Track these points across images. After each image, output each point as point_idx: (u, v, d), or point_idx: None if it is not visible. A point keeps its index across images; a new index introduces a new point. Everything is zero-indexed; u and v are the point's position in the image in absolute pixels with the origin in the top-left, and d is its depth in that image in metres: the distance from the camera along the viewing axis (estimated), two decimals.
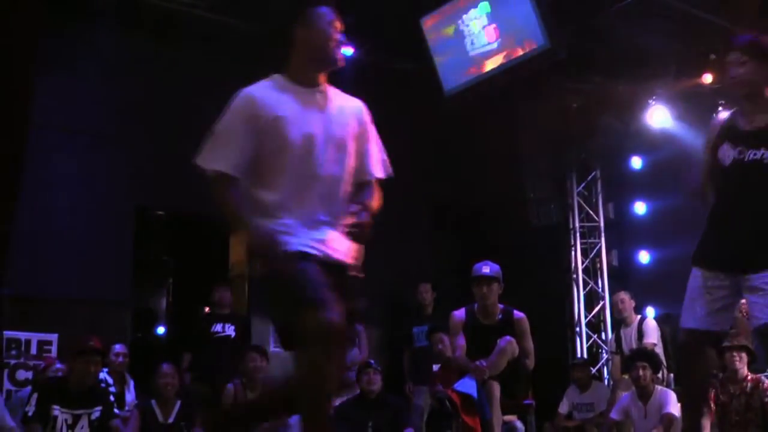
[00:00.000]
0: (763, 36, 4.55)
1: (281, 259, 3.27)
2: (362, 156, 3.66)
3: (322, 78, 3.65)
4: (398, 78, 10.08)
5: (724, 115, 4.66)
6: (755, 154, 4.36)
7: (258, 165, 3.45)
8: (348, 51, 10.12)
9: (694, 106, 9.49)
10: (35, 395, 6.44)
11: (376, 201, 3.63)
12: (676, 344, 8.89)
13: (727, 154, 4.45)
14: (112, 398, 7.70)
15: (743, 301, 4.56)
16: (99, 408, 6.60)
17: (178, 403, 7.46)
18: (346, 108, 3.67)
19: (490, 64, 8.89)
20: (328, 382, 3.16)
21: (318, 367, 3.09)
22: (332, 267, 3.39)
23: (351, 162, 3.58)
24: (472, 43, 9.01)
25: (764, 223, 4.33)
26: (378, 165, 3.72)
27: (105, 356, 6.91)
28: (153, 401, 7.41)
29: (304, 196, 3.44)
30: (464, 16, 9.00)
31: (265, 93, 3.53)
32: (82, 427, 6.51)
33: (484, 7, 8.89)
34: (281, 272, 3.25)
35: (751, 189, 4.39)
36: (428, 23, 9.30)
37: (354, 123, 3.65)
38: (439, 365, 8.25)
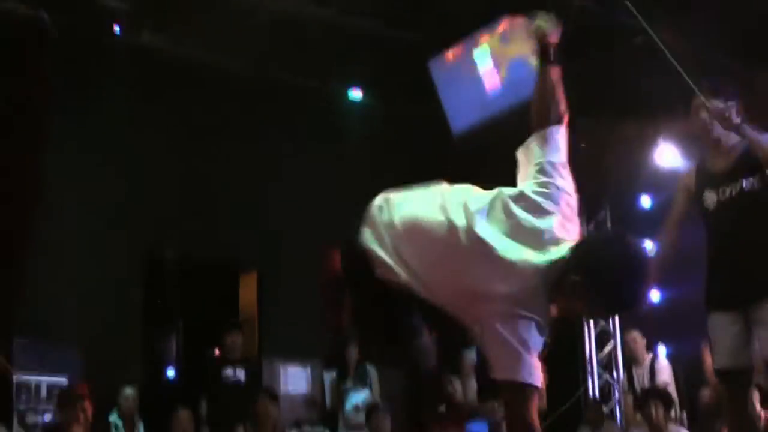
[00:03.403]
0: (724, 80, 4.72)
1: None
2: None
3: None
4: (406, 121, 10.13)
5: (691, 166, 4.84)
6: (735, 188, 4.49)
7: None
8: (357, 95, 10.21)
9: (702, 142, 9.49)
10: None
11: None
12: (690, 382, 8.94)
13: (709, 199, 4.60)
14: None
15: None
16: None
17: None
18: None
19: (499, 105, 8.92)
20: None
21: None
22: None
23: None
24: (481, 84, 9.04)
25: (759, 252, 4.42)
26: None
27: (91, 398, 6.68)
28: None
29: None
30: (474, 54, 9.02)
31: None
32: None
33: (493, 46, 8.92)
34: None
35: (739, 221, 4.57)
36: (437, 65, 9.33)
37: None
38: (445, 406, 8.24)
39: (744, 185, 4.51)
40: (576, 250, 3.07)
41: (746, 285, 4.47)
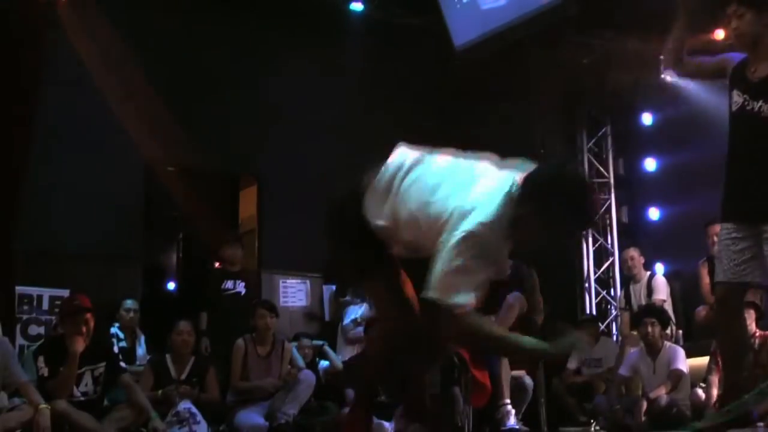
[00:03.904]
0: None
1: None
2: None
3: None
4: (407, 33, 10.03)
5: (738, 58, 4.75)
6: (756, 106, 4.44)
7: None
8: (357, 6, 10.08)
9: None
10: (42, 357, 6.44)
11: None
12: (686, 300, 9.00)
13: (735, 100, 4.57)
14: (116, 352, 7.78)
15: None
16: (103, 363, 6.61)
17: (192, 359, 7.54)
18: None
19: (501, 19, 8.81)
20: None
21: None
22: None
23: None
24: None
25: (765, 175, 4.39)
26: None
27: (93, 310, 6.71)
28: (168, 356, 7.48)
29: None
30: None
31: None
32: (86, 384, 6.52)
33: None
34: None
35: (751, 140, 4.49)
36: None
37: None
38: None
39: (763, 109, 4.45)
40: (523, 185, 3.36)
41: (759, 202, 4.44)
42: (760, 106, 4.45)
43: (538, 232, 3.38)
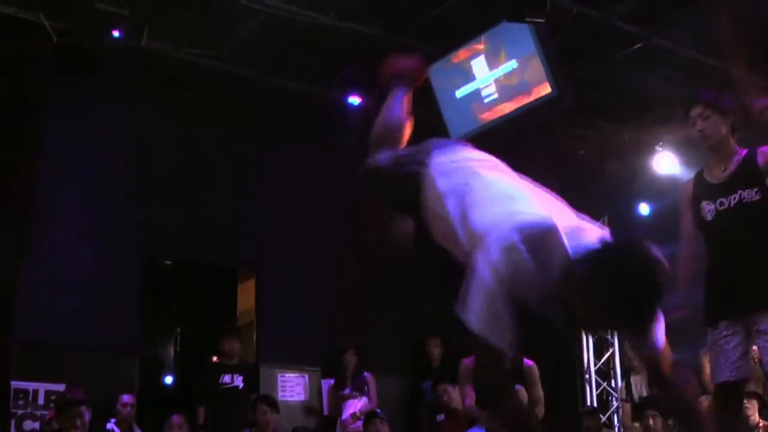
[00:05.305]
0: (724, 91, 4.74)
1: None
2: None
3: None
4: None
5: (689, 178, 4.85)
6: (734, 199, 4.48)
7: None
8: (355, 100, 10.20)
9: (701, 151, 9.49)
10: None
11: None
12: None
13: (707, 210, 4.59)
14: None
15: (754, 347, 4.59)
16: None
17: None
18: None
19: (497, 112, 8.88)
20: None
21: None
22: None
23: None
24: (480, 91, 9.02)
25: (758, 263, 4.40)
26: None
27: (89, 405, 6.62)
28: None
29: None
30: (472, 63, 8.99)
31: None
32: None
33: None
34: None
35: (738, 232, 4.56)
36: (434, 70, 9.31)
37: None
38: (443, 415, 8.22)
39: (743, 196, 4.50)
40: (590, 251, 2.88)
41: (747, 295, 4.44)
42: (740, 195, 4.49)
43: (580, 301, 2.87)
